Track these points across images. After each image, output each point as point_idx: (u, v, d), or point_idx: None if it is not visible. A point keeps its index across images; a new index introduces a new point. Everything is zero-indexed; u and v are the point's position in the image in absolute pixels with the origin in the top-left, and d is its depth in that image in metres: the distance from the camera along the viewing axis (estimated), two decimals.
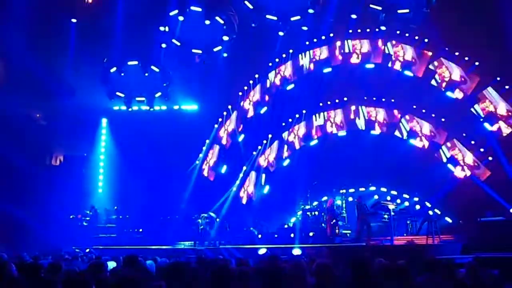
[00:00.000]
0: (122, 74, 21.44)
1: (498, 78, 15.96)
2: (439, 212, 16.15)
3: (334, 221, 16.34)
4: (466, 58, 16.56)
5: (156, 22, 19.96)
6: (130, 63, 21.27)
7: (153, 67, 21.40)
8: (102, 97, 22.51)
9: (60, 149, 24.26)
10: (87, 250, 16.25)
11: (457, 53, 16.76)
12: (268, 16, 19.49)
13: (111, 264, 7.57)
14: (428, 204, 16.37)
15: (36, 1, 18.25)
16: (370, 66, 18.56)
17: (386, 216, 15.63)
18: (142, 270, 6.78)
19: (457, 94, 16.65)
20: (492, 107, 16.12)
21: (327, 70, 19.49)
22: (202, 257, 8.91)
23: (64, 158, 24.24)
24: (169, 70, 21.88)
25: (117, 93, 22.39)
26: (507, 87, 15.80)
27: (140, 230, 21.08)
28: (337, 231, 16.42)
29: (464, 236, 14.05)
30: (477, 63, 16.33)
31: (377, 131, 18.40)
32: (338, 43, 19.27)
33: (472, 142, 16.62)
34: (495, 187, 15.18)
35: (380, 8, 18.00)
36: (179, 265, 5.30)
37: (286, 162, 20.61)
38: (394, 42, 18.11)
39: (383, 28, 18.19)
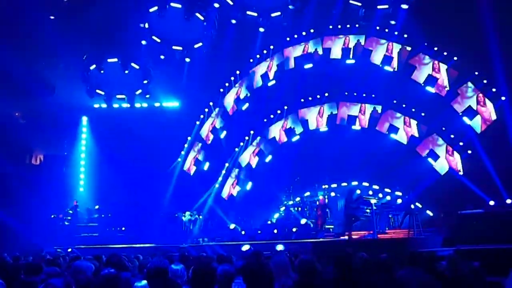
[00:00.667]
0: (102, 72, 21.20)
1: (477, 73, 16.15)
2: (420, 206, 16.32)
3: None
4: (445, 53, 16.72)
5: (135, 18, 19.78)
6: (110, 60, 21.05)
7: (133, 64, 21.22)
8: (82, 95, 22.27)
9: (40, 148, 23.95)
10: (69, 250, 16.10)
11: (436, 48, 16.92)
12: (248, 12, 19.46)
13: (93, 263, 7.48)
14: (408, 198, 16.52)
15: None
16: (350, 61, 18.64)
17: (368, 210, 15.74)
18: (122, 268, 6.72)
19: (436, 89, 16.81)
20: (470, 102, 16.30)
21: (308, 66, 19.52)
22: (185, 254, 8.87)
23: (44, 157, 23.95)
24: (150, 67, 21.73)
25: (97, 91, 22.16)
26: (485, 81, 16.00)
27: (123, 228, 20.95)
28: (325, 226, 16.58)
29: (445, 229, 14.23)
30: (455, 58, 16.50)
31: (358, 126, 18.51)
32: (319, 39, 19.30)
33: (452, 136, 16.81)
34: (474, 180, 15.38)
35: (360, 4, 18.10)
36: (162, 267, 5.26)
37: (268, 158, 20.63)
38: (373, 38, 18.20)
39: (363, 23, 18.27)
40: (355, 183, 18.30)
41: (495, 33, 14.56)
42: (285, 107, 20.22)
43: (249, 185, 20.91)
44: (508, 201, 14.24)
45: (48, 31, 19.15)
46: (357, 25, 18.50)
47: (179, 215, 20.23)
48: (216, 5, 19.28)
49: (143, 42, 20.60)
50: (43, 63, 20.10)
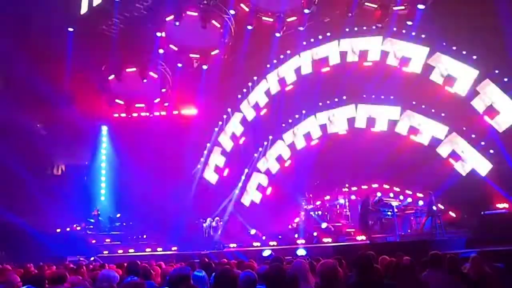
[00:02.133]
0: (121, 81, 21.46)
1: (497, 71, 15.93)
2: (442, 207, 16.12)
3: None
4: (464, 52, 16.53)
5: (152, 28, 19.98)
6: (128, 70, 21.29)
7: (151, 73, 21.43)
8: (101, 105, 22.55)
9: (61, 158, 24.30)
10: (92, 259, 16.26)
11: (454, 48, 16.74)
12: (264, 18, 19.51)
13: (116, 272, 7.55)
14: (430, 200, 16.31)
15: (33, 12, 18.31)
16: (368, 64, 18.53)
17: (389, 213, 15.61)
18: (146, 276, 6.76)
19: (456, 89, 16.61)
20: (491, 100, 16.07)
21: (325, 69, 19.48)
22: (206, 261, 8.89)
23: (65, 167, 24.27)
24: (167, 76, 21.91)
25: (116, 101, 22.42)
26: (506, 79, 15.76)
27: (144, 236, 21.10)
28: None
29: (468, 230, 14.04)
30: (475, 57, 16.30)
31: (377, 128, 18.35)
32: (335, 42, 19.24)
33: (473, 136, 16.58)
34: (497, 180, 15.14)
35: (375, 6, 18.01)
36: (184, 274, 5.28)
37: (287, 163, 20.57)
38: (391, 39, 18.07)
39: (379, 25, 18.16)
40: (375, 185, 18.17)
41: None
42: (303, 111, 20.15)
43: (269, 190, 20.87)
44: None
45: (67, 43, 19.49)
46: (373, 27, 18.37)
47: (199, 221, 20.30)
48: (232, 11, 19.37)
49: (161, 51, 20.78)
50: (63, 74, 20.37)
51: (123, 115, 23.40)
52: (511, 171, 14.71)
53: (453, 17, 16.04)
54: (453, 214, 16.34)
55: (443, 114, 17.19)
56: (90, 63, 19.85)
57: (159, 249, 19.47)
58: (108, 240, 20.82)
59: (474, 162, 16.17)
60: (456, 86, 16.60)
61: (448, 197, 15.82)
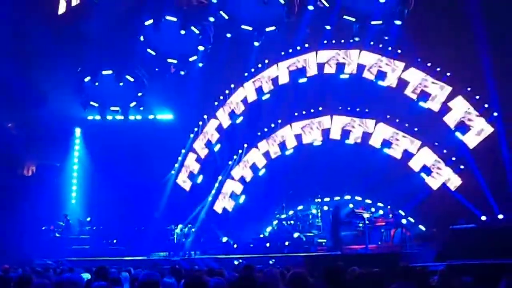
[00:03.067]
0: (97, 84, 21.22)
1: (469, 88, 16.27)
2: (412, 220, 16.34)
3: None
4: (438, 69, 16.85)
5: (131, 31, 19.85)
6: (104, 72, 21.06)
7: (127, 77, 21.24)
8: (75, 106, 22.25)
9: (32, 159, 23.84)
10: (59, 262, 15.97)
11: (429, 64, 17.04)
12: (243, 27, 19.56)
13: (85, 276, 7.45)
14: (402, 213, 16.50)
15: (8, 9, 18.00)
16: (344, 76, 18.73)
17: (361, 224, 15.75)
18: (114, 281, 6.69)
19: (429, 104, 16.91)
20: (463, 117, 16.39)
21: (302, 80, 19.61)
22: (176, 267, 8.82)
23: (36, 168, 23.82)
24: (144, 80, 21.76)
25: (91, 103, 22.15)
26: (477, 97, 16.11)
27: (114, 241, 20.83)
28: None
29: (437, 244, 14.23)
30: (448, 74, 16.63)
31: (351, 140, 18.53)
32: (313, 54, 19.40)
33: (444, 151, 16.87)
34: (467, 196, 15.42)
35: (354, 19, 18.24)
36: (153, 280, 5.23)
37: (261, 172, 20.60)
38: (367, 52, 18.32)
39: (357, 39, 18.40)
40: (347, 197, 18.31)
41: (488, 49, 14.72)
42: (279, 121, 20.22)
43: (242, 199, 20.86)
44: (500, 216, 14.28)
45: (42, 42, 19.19)
46: (351, 40, 18.60)
47: (171, 228, 20.15)
48: (211, 19, 19.37)
49: (138, 55, 20.63)
50: (37, 74, 20.06)
51: (98, 117, 23.13)
52: (480, 187, 15.01)
53: (429, 34, 16.37)
54: (422, 228, 16.60)
55: (416, 129, 17.46)
56: (66, 64, 19.56)
57: (129, 254, 19.23)
58: (76, 244, 20.49)
59: (444, 177, 16.45)
60: (429, 102, 16.89)
61: (418, 210, 16.05)
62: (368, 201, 18.08)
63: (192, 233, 20.32)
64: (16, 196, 20.30)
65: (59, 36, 19.17)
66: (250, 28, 19.61)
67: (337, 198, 18.59)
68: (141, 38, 19.96)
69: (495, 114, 15.67)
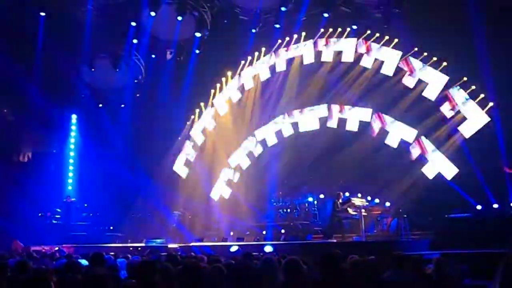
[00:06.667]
0: (93, 69, 21.13)
1: (465, 78, 16.26)
2: (408, 209, 16.41)
3: None
4: (435, 58, 16.81)
5: (127, 17, 19.70)
6: (100, 58, 20.96)
7: (124, 63, 21.15)
8: (71, 92, 22.18)
9: (28, 145, 23.80)
10: (56, 249, 16.02)
11: (425, 53, 17.01)
12: (240, 14, 19.47)
13: (83, 262, 7.49)
14: (397, 202, 16.57)
15: None
16: (342, 64, 18.68)
17: (356, 213, 15.83)
18: (111, 267, 6.73)
19: (426, 93, 16.89)
20: (459, 106, 16.40)
21: (299, 68, 19.56)
22: (173, 254, 8.87)
23: (32, 155, 23.80)
24: (141, 66, 21.68)
25: (87, 89, 22.08)
26: (473, 87, 16.10)
27: (111, 227, 20.90)
28: None
29: (432, 233, 14.33)
30: (445, 63, 16.60)
31: (348, 129, 18.52)
32: (311, 42, 19.34)
33: (441, 141, 16.88)
34: (463, 185, 15.49)
35: (351, 8, 18.18)
36: (149, 264, 5.26)
37: (258, 159, 20.61)
38: (365, 41, 18.26)
39: (354, 27, 18.33)
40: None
41: (485, 38, 14.69)
42: (276, 109, 20.20)
43: (238, 186, 20.89)
44: (495, 205, 14.37)
45: (38, 27, 19.06)
46: (348, 29, 18.52)
47: (168, 214, 20.20)
48: (209, 5, 19.26)
49: (135, 41, 20.52)
50: (33, 59, 19.91)
51: (94, 104, 23.06)
52: (476, 177, 15.07)
53: (427, 23, 16.29)
54: (418, 217, 16.64)
55: (412, 118, 17.47)
56: (61, 50, 19.43)
57: (126, 241, 19.30)
58: (73, 230, 20.53)
59: (440, 166, 16.49)
60: (426, 91, 16.88)
61: (414, 199, 16.11)
62: (364, 189, 18.12)
63: (188, 220, 20.39)
64: (12, 183, 20.28)
65: (55, 21, 19.02)
66: (247, 16, 19.53)
67: (334, 186, 18.61)
68: (138, 24, 19.77)
69: (491, 104, 15.67)
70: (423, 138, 17.02)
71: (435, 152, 16.74)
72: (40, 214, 20.78)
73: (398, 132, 17.44)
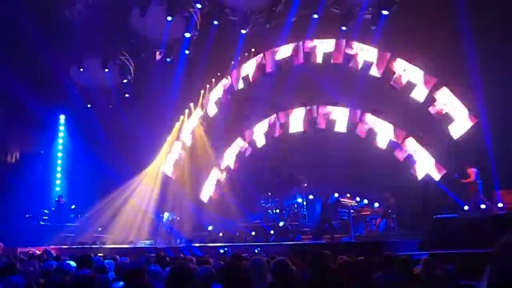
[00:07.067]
0: (82, 69, 21.02)
1: (454, 80, 16.35)
2: (396, 210, 16.49)
3: None
4: (423, 59, 16.90)
5: (117, 17, 19.61)
6: (89, 58, 20.85)
7: (113, 63, 21.06)
8: (60, 92, 22.04)
9: (16, 145, 23.60)
10: (44, 250, 15.88)
11: (414, 54, 17.10)
12: (230, 14, 19.46)
13: (71, 264, 7.43)
14: (386, 202, 16.64)
15: None
16: (331, 65, 18.71)
17: (345, 213, 15.89)
18: (99, 269, 6.68)
19: (414, 95, 16.97)
20: (447, 108, 16.51)
21: (288, 69, 19.57)
22: (162, 255, 8.83)
23: (20, 155, 23.61)
24: (130, 66, 21.59)
25: (76, 89, 21.95)
26: (462, 88, 16.20)
27: (100, 229, 20.79)
28: None
29: (421, 233, 14.41)
30: (433, 65, 16.69)
31: (337, 130, 18.58)
32: (300, 43, 19.36)
33: (429, 142, 16.98)
34: (451, 186, 15.58)
35: (341, 9, 18.24)
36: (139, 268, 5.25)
37: (247, 160, 20.61)
38: (354, 42, 18.32)
39: (343, 28, 18.39)
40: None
41: (473, 40, 14.80)
42: (265, 110, 20.21)
43: (227, 188, 20.88)
44: (483, 206, 14.48)
45: (27, 27, 18.88)
46: (338, 30, 18.57)
47: (157, 215, 20.15)
48: (199, 5, 19.23)
49: (124, 41, 20.43)
50: (22, 59, 19.73)
51: (82, 104, 22.94)
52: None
53: (415, 25, 16.38)
54: (407, 217, 16.74)
55: (401, 119, 17.56)
56: (50, 49, 19.28)
57: (114, 242, 19.20)
58: (61, 232, 20.39)
59: (428, 167, 16.59)
60: (414, 92, 16.97)
61: (402, 200, 16.20)
62: (353, 189, 18.18)
63: (177, 221, 20.33)
64: None
65: (44, 21, 18.87)
66: (237, 16, 19.53)
67: (323, 187, 18.65)
68: (127, 24, 19.69)
69: (479, 105, 15.78)
70: (411, 139, 17.11)
71: (423, 153, 16.84)
72: (27, 215, 20.61)
73: (387, 133, 17.52)
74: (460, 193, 15.08)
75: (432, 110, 16.66)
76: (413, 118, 17.12)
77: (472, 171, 14.87)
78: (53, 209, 21.12)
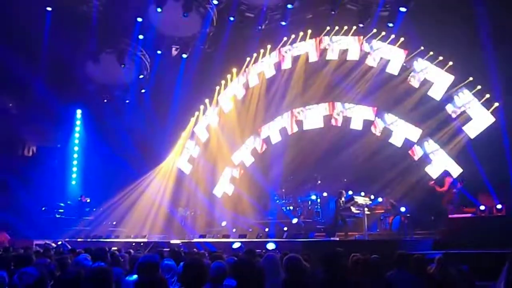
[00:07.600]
0: (98, 65, 21.16)
1: (471, 78, 16.19)
2: (411, 208, 16.37)
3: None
4: (441, 58, 16.74)
5: (133, 12, 19.71)
6: (106, 54, 20.98)
7: (129, 59, 21.18)
8: (77, 87, 22.21)
9: (33, 139, 23.88)
10: (59, 243, 16.08)
11: (431, 53, 16.94)
12: (246, 11, 19.45)
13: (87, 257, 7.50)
14: (400, 201, 16.53)
15: None
16: (347, 62, 18.63)
17: (359, 211, 15.80)
18: (114, 262, 6.75)
19: (431, 93, 16.83)
20: (464, 107, 16.34)
21: (304, 66, 19.52)
22: (175, 250, 8.88)
23: (36, 149, 23.88)
24: (146, 62, 21.69)
25: (92, 84, 22.12)
26: (479, 86, 16.03)
27: (114, 222, 20.95)
28: None
29: (435, 232, 14.30)
30: (451, 63, 16.52)
31: (353, 127, 18.48)
32: (316, 40, 19.29)
33: (445, 141, 16.82)
34: (467, 185, 15.43)
35: (358, 6, 18.12)
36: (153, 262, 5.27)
37: (261, 157, 20.60)
38: (371, 40, 18.20)
39: (360, 25, 18.27)
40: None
41: (490, 39, 14.63)
42: (280, 106, 20.17)
43: (241, 184, 20.89)
44: (499, 206, 14.32)
45: (44, 23, 19.07)
46: (354, 27, 18.47)
47: (171, 210, 20.25)
48: (215, 1, 19.25)
49: (140, 37, 20.53)
50: (39, 54, 19.93)
51: (99, 99, 23.12)
52: (480, 177, 15.01)
53: (433, 23, 16.21)
54: (421, 216, 16.60)
55: (418, 117, 17.40)
56: (67, 44, 19.44)
57: (129, 236, 19.34)
58: (77, 225, 20.60)
59: (445, 166, 16.44)
60: (431, 91, 16.82)
61: (417, 198, 16.07)
62: (367, 187, 18.08)
63: (191, 216, 20.42)
64: (16, 177, 20.34)
65: (60, 16, 19.04)
66: (253, 13, 19.52)
67: (337, 184, 18.59)
68: (143, 20, 19.77)
69: (497, 104, 15.60)
70: (427, 137, 16.97)
71: (439, 152, 16.69)
72: (43, 208, 20.85)
73: (402, 131, 17.40)
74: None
75: (449, 108, 16.51)
76: (430, 116, 16.96)
77: (448, 180, 14.90)
78: (62, 204, 21.32)
